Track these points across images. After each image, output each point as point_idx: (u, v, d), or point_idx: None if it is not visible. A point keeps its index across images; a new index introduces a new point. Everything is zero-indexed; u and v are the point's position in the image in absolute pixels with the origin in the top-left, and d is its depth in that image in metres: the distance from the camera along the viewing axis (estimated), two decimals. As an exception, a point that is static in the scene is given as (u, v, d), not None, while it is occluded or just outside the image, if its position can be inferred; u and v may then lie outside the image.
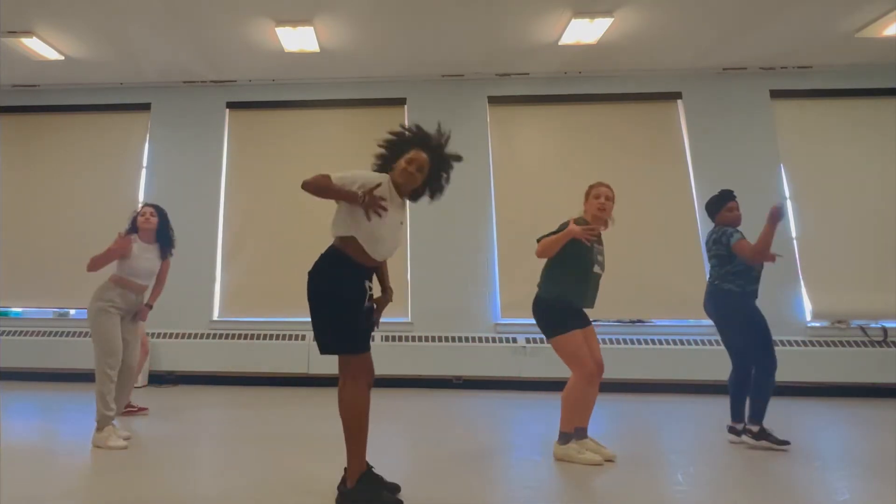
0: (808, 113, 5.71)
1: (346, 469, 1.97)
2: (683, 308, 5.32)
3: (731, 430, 3.06)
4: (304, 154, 5.98)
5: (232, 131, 6.11)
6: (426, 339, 5.33)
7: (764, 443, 2.89)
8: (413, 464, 2.54)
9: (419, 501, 1.99)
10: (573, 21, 4.83)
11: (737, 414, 3.08)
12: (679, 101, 5.86)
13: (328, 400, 4.43)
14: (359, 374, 2.00)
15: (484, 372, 5.18)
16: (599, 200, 2.73)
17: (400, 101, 6.00)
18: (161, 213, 3.23)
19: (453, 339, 5.30)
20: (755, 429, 2.93)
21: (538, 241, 2.70)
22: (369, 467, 2.00)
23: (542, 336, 5.44)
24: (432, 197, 2.29)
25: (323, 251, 2.09)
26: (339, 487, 2.00)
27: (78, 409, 3.91)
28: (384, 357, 5.26)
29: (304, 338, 5.33)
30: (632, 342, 5.17)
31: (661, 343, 5.14)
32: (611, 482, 2.24)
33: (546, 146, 5.87)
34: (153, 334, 5.48)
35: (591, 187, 2.81)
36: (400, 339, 5.33)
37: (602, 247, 2.85)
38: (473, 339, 5.30)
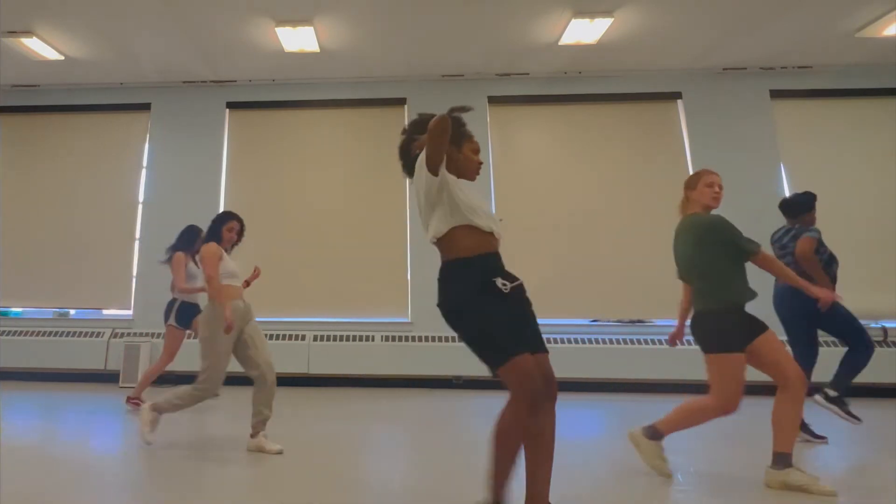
0: (808, 113, 5.71)
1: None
2: (683, 308, 5.31)
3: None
4: (304, 154, 5.98)
5: (232, 131, 6.11)
6: (426, 339, 5.33)
7: (835, 408, 3.01)
8: (413, 464, 2.54)
9: (419, 501, 1.99)
10: (573, 21, 4.83)
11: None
12: (679, 101, 5.86)
13: (328, 400, 4.43)
14: (517, 388, 1.59)
15: (484, 372, 5.17)
16: (714, 189, 2.45)
17: (400, 101, 6.00)
18: (241, 230, 3.18)
19: (453, 339, 5.30)
20: (832, 393, 3.05)
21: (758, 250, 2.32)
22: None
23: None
24: None
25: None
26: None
27: (78, 409, 3.91)
28: (384, 357, 5.26)
29: (303, 338, 5.33)
30: (632, 342, 5.17)
31: (661, 343, 5.14)
32: (611, 482, 2.24)
33: (546, 146, 5.87)
34: (154, 334, 5.48)
35: (698, 175, 2.52)
36: (400, 339, 5.33)
37: None
38: (473, 339, 5.29)
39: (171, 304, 4.11)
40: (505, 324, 1.63)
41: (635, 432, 2.43)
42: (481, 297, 1.65)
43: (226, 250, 3.10)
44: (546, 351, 1.74)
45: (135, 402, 3.96)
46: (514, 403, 1.59)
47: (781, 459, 2.17)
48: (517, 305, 1.70)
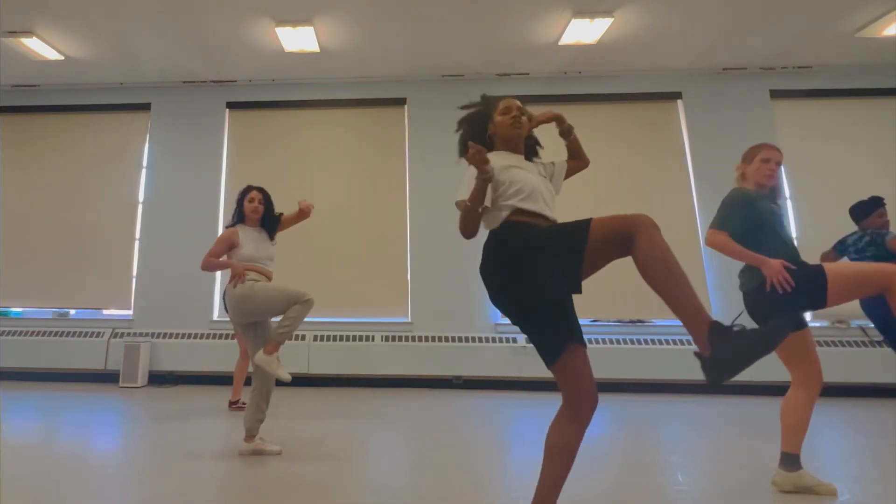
0: (808, 113, 5.71)
1: None
2: (683, 308, 5.31)
3: None
4: (304, 154, 5.98)
5: (232, 131, 6.11)
6: (426, 339, 5.33)
7: None
8: (412, 464, 2.54)
9: (419, 501, 1.99)
10: (573, 21, 4.83)
11: None
12: (679, 101, 5.86)
13: (328, 400, 4.43)
14: (578, 398, 1.46)
15: (484, 372, 5.18)
16: (769, 165, 2.29)
17: (400, 101, 6.00)
18: (267, 199, 3.06)
19: (453, 339, 5.30)
20: None
21: (712, 225, 2.24)
22: None
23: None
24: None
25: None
26: None
27: (78, 409, 3.91)
28: (384, 357, 5.26)
29: (303, 338, 5.33)
30: (632, 342, 5.16)
31: (661, 343, 5.14)
32: (611, 482, 2.24)
33: (545, 146, 5.86)
34: (153, 334, 5.48)
35: (756, 148, 2.38)
36: (400, 339, 5.33)
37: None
38: (473, 339, 5.30)
39: None
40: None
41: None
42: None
43: (261, 226, 3.00)
44: None
45: (236, 406, 4.04)
46: (567, 413, 1.49)
47: (789, 460, 2.10)
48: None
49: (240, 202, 3.02)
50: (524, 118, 1.74)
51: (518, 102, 1.77)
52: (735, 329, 1.31)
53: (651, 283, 1.38)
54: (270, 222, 3.07)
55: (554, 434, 1.49)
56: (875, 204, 3.40)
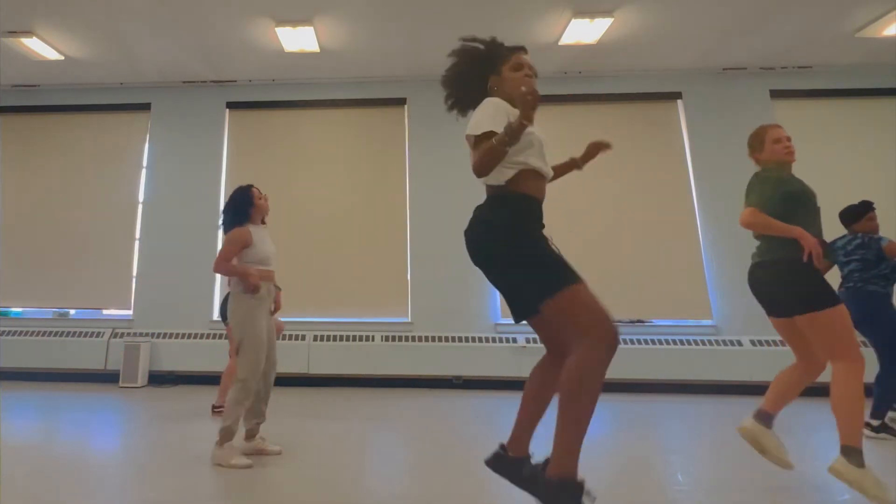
0: (808, 113, 5.71)
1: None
2: (683, 308, 5.31)
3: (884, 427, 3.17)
4: (304, 154, 5.98)
5: (232, 131, 6.11)
6: (426, 339, 5.33)
7: (884, 435, 3.12)
8: (412, 464, 2.54)
9: (418, 501, 1.99)
10: (573, 21, 4.83)
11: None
12: (679, 101, 5.86)
13: (328, 400, 4.43)
14: (598, 322, 1.41)
15: (484, 372, 5.18)
16: (783, 143, 2.23)
17: (400, 101, 6.00)
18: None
19: (453, 339, 5.30)
20: (875, 423, 3.16)
21: (749, 205, 2.16)
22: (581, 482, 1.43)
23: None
24: None
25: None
26: (540, 477, 1.53)
27: (78, 409, 3.91)
28: (384, 357, 5.26)
29: (303, 338, 5.33)
30: (632, 342, 5.16)
31: (661, 343, 5.14)
32: (611, 482, 2.24)
33: (545, 146, 5.86)
34: (153, 334, 5.48)
35: (759, 133, 2.31)
36: (400, 339, 5.33)
37: None
38: (473, 339, 5.30)
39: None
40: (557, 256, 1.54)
41: (749, 425, 2.14)
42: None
43: (258, 224, 2.93)
44: None
45: (220, 410, 3.81)
46: (590, 340, 1.40)
47: (851, 453, 1.96)
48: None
49: (247, 202, 2.89)
50: (533, 79, 1.71)
51: (529, 60, 1.72)
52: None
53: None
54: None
55: (574, 374, 1.39)
56: (866, 208, 3.44)
